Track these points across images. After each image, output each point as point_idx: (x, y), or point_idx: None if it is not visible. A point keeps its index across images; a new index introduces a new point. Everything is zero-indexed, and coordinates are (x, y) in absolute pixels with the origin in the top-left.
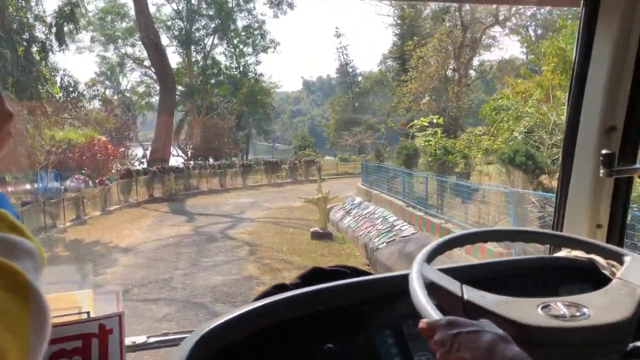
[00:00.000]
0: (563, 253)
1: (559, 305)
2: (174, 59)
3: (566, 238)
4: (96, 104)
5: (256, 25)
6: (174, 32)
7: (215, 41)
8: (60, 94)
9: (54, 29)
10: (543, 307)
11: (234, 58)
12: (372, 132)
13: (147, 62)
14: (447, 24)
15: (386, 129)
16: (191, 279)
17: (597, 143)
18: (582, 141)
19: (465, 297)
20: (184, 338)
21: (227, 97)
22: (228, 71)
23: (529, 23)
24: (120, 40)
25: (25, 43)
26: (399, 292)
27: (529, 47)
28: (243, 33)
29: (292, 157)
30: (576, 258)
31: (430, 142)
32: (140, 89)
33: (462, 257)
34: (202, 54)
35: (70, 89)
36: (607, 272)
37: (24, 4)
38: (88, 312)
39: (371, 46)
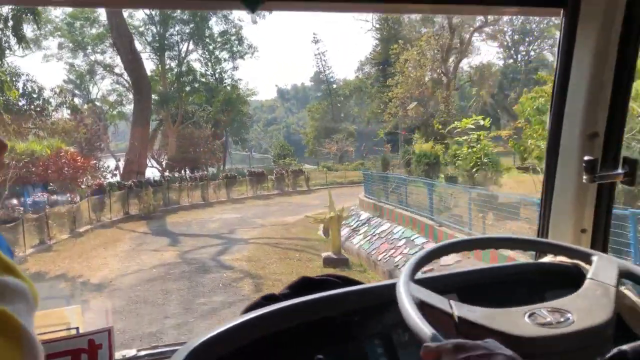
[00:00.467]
0: (548, 258)
1: (544, 312)
2: (147, 66)
3: (535, 242)
4: (64, 112)
5: (233, 30)
6: (147, 37)
7: (191, 47)
8: (23, 101)
9: (10, 23)
10: (530, 316)
11: (210, 64)
12: (353, 139)
13: (118, 69)
14: (435, 27)
15: (360, 136)
16: (188, 332)
17: (579, 149)
18: (565, 148)
19: (456, 313)
20: (174, 351)
21: (202, 105)
22: (204, 78)
23: (506, 29)
24: (90, 47)
25: None
26: (388, 301)
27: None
28: (219, 39)
29: (276, 166)
30: (561, 263)
31: (474, 149)
32: (112, 98)
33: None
34: (177, 60)
35: (34, 96)
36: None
37: None
38: (77, 328)
39: (349, 52)
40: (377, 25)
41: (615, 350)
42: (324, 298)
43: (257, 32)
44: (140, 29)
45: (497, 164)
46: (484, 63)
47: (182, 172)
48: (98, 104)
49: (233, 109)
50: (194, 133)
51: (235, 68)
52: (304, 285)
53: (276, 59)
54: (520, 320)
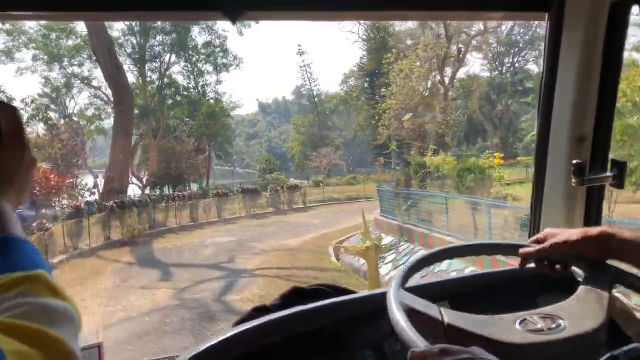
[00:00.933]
0: None
1: (535, 318)
2: (128, 78)
3: (523, 247)
4: (39, 127)
5: (218, 42)
6: (127, 49)
7: (173, 59)
8: None
9: None
10: (521, 322)
11: (193, 77)
12: (342, 152)
13: (96, 82)
14: (430, 36)
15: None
16: None
17: (568, 153)
18: (553, 152)
19: (446, 320)
20: None
21: (184, 119)
22: (186, 91)
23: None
24: (66, 59)
25: None
26: (379, 310)
27: None
28: (203, 50)
29: (263, 181)
30: None
31: None
32: (90, 112)
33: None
34: (158, 73)
35: None
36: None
37: None
38: None
39: (334, 64)
40: (364, 37)
41: (607, 355)
42: (316, 309)
43: (239, 45)
44: (120, 41)
45: None
46: (470, 74)
47: (164, 189)
48: (75, 119)
49: (217, 123)
50: (176, 148)
51: (219, 82)
52: (295, 295)
53: (258, 73)
54: (511, 327)
